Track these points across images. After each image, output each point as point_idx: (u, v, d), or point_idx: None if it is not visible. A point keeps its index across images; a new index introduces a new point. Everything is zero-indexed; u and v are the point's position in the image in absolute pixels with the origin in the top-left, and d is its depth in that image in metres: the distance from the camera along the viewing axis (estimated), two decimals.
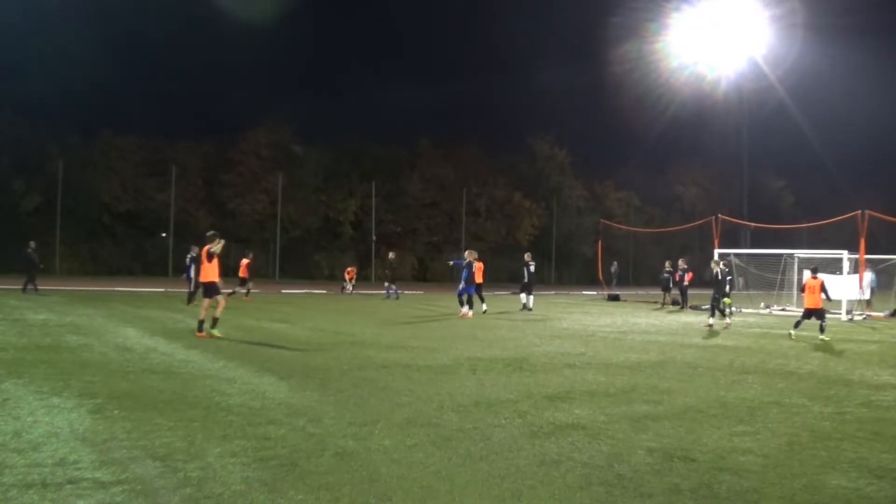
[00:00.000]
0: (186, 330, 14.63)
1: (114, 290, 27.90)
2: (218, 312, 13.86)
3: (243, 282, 27.13)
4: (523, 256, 26.13)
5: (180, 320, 16.96)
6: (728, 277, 26.87)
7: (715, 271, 20.76)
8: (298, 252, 51.74)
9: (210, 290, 13.80)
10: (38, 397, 7.37)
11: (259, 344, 12.83)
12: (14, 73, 46.09)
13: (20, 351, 10.84)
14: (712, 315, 20.14)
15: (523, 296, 24.94)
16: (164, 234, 47.96)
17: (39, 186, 43.58)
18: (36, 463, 5.10)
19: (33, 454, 5.32)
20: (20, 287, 25.52)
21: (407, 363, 10.82)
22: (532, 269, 25.20)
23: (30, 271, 26.00)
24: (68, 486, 4.67)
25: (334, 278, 44.11)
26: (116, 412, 6.78)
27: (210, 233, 14.10)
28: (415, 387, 8.74)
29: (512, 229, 60.17)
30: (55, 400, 7.25)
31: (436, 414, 7.20)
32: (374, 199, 53.79)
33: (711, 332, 18.29)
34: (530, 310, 24.32)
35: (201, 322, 13.74)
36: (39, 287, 25.79)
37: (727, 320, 20.28)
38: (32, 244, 26.86)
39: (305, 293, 34.02)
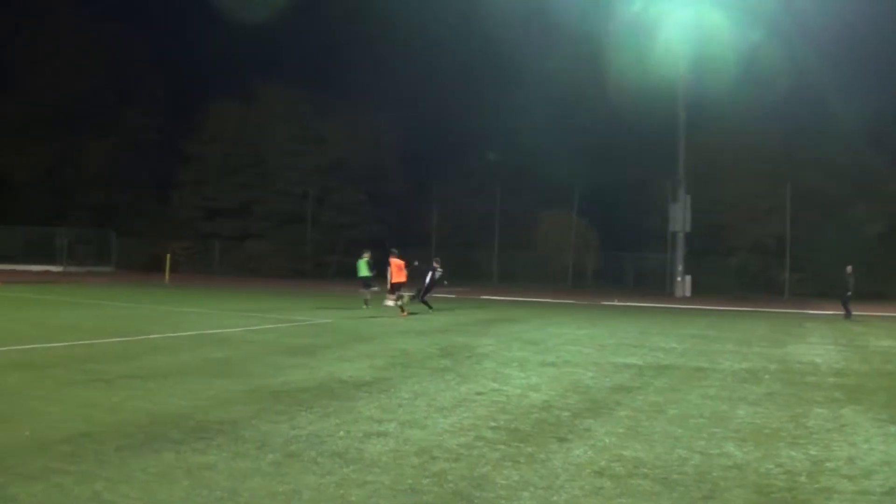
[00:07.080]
0: None
1: None
2: None
3: None
4: None
5: None
6: None
7: None
8: None
9: None
10: (876, 424, 7.31)
11: None
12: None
13: (862, 377, 10.72)
14: None
15: None
16: None
17: (881, 211, 40.58)
18: (865, 490, 5.13)
19: (864, 481, 5.34)
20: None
21: None
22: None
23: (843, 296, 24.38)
24: None
25: None
26: None
27: None
28: None
29: None
30: (892, 428, 7.14)
31: None
32: None
33: None
34: None
35: None
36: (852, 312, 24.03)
37: None
38: (849, 268, 24.60)
39: None
